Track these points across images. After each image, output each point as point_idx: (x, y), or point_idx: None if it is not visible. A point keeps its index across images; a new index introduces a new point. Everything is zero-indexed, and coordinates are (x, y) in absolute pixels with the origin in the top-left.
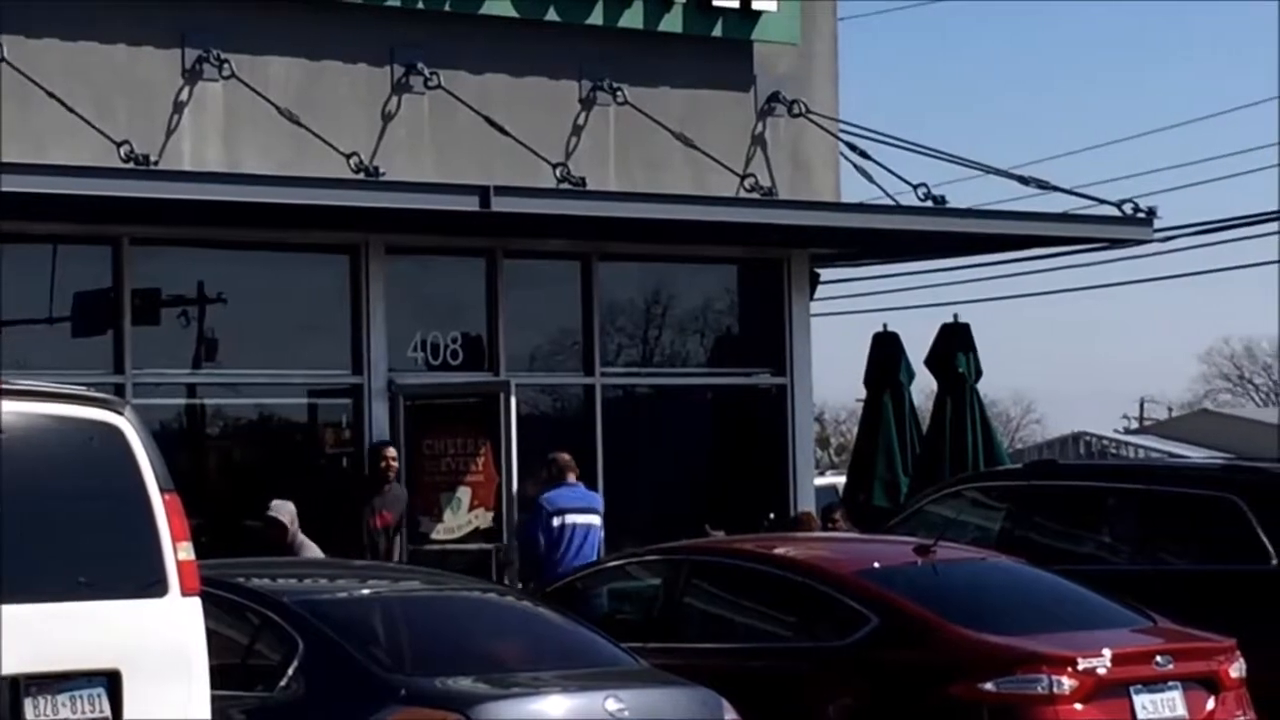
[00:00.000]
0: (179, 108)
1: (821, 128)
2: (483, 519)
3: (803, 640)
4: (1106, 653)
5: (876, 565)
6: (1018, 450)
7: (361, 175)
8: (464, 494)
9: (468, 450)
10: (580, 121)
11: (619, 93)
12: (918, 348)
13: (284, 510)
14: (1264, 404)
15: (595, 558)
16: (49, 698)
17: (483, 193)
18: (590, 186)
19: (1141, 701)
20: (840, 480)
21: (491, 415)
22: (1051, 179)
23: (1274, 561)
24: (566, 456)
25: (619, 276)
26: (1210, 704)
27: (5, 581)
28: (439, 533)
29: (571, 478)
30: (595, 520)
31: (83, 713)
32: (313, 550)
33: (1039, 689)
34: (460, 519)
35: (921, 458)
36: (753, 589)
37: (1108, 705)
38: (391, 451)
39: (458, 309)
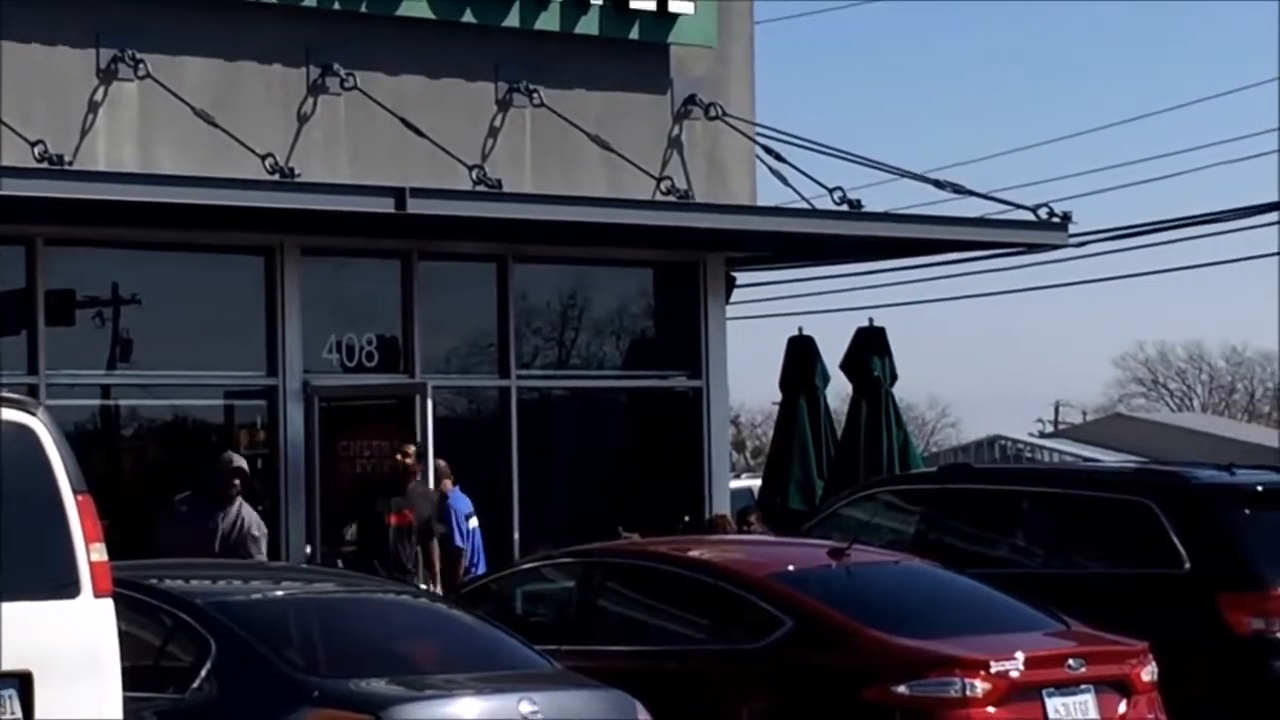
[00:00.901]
0: (94, 107)
1: (738, 130)
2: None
3: (717, 643)
4: (1019, 656)
5: (791, 568)
6: (933, 454)
7: (277, 176)
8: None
9: (384, 452)
10: (496, 123)
11: (535, 95)
12: (833, 351)
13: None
14: (1178, 408)
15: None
16: None
17: (398, 194)
18: (506, 189)
19: (1054, 704)
20: (756, 483)
21: (408, 417)
22: (967, 183)
23: (1186, 565)
24: (443, 463)
25: (535, 279)
26: (1122, 707)
27: None
28: (352, 534)
29: (449, 483)
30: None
31: None
32: (253, 517)
33: (952, 692)
34: None
35: (837, 461)
36: (667, 591)
37: (1020, 708)
38: (411, 449)
39: (373, 311)
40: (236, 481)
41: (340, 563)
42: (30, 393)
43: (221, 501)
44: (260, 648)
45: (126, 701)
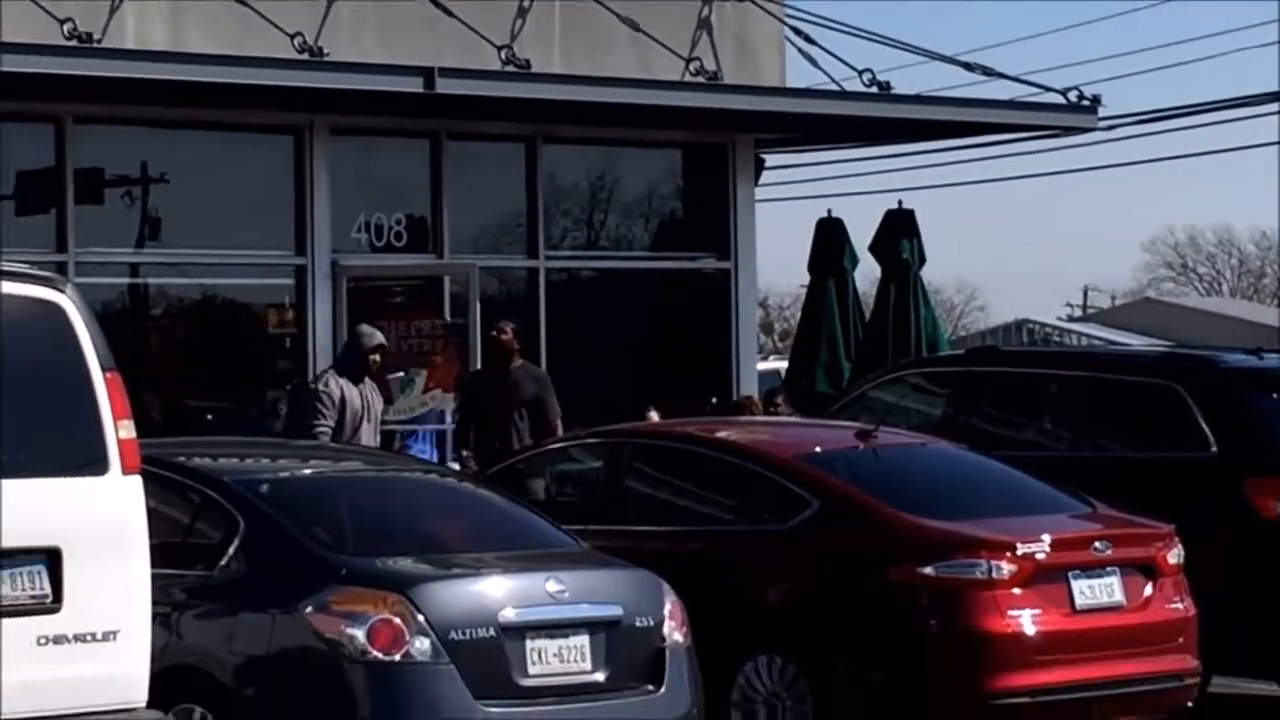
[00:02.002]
0: None
1: (767, 11)
2: (440, 400)
3: (744, 524)
4: (1046, 538)
5: (818, 449)
6: (961, 337)
7: (306, 56)
8: (418, 376)
9: (422, 333)
10: (525, 4)
11: None
12: (862, 234)
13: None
14: (1206, 293)
15: None
16: None
17: (427, 74)
18: (535, 69)
19: (1080, 586)
20: (783, 365)
21: (436, 297)
22: (997, 66)
23: (1213, 449)
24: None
25: (564, 160)
26: (1148, 589)
27: None
28: (390, 413)
29: None
30: None
31: (23, 589)
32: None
33: (978, 573)
34: (412, 400)
35: (864, 344)
36: (694, 472)
37: (1046, 590)
38: (508, 326)
39: (402, 191)
40: (375, 358)
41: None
42: (59, 271)
43: (358, 379)
44: (288, 526)
45: (154, 578)
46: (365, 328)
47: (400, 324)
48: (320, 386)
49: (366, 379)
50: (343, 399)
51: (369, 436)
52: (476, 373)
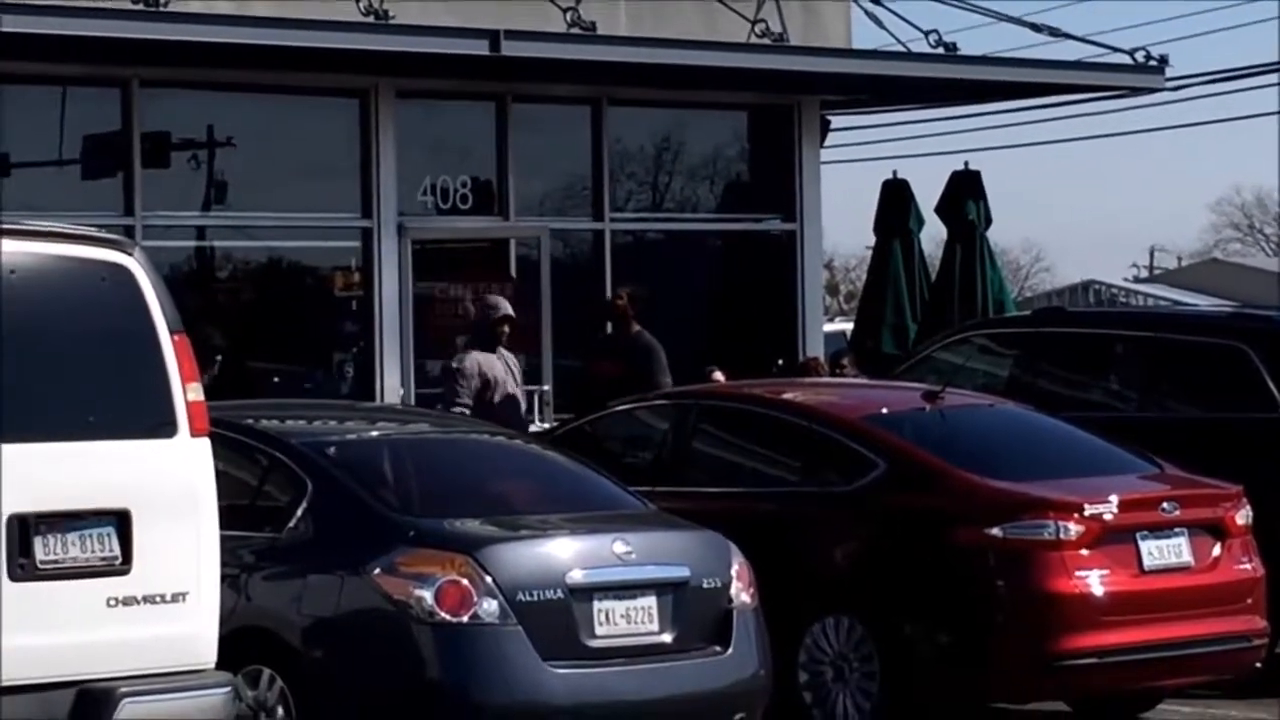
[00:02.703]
0: None
1: None
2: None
3: (810, 485)
4: (1113, 499)
5: (885, 411)
6: (1027, 298)
7: (372, 19)
8: None
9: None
10: None
11: None
12: (928, 195)
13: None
14: (1273, 254)
15: None
16: (58, 536)
17: (493, 37)
18: (601, 31)
19: (1148, 547)
20: (848, 327)
21: (503, 260)
22: (1064, 27)
23: None
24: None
25: (629, 122)
26: (1216, 550)
27: (14, 421)
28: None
29: None
30: None
31: (92, 551)
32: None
33: (1045, 534)
34: None
35: (930, 305)
36: (760, 434)
37: (1114, 551)
38: (625, 292)
39: (467, 153)
40: (505, 329)
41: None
42: (127, 234)
43: (492, 349)
44: (356, 488)
45: (223, 540)
46: (490, 298)
47: (463, 286)
48: (455, 364)
49: (500, 348)
50: (480, 372)
51: (519, 400)
52: (594, 339)
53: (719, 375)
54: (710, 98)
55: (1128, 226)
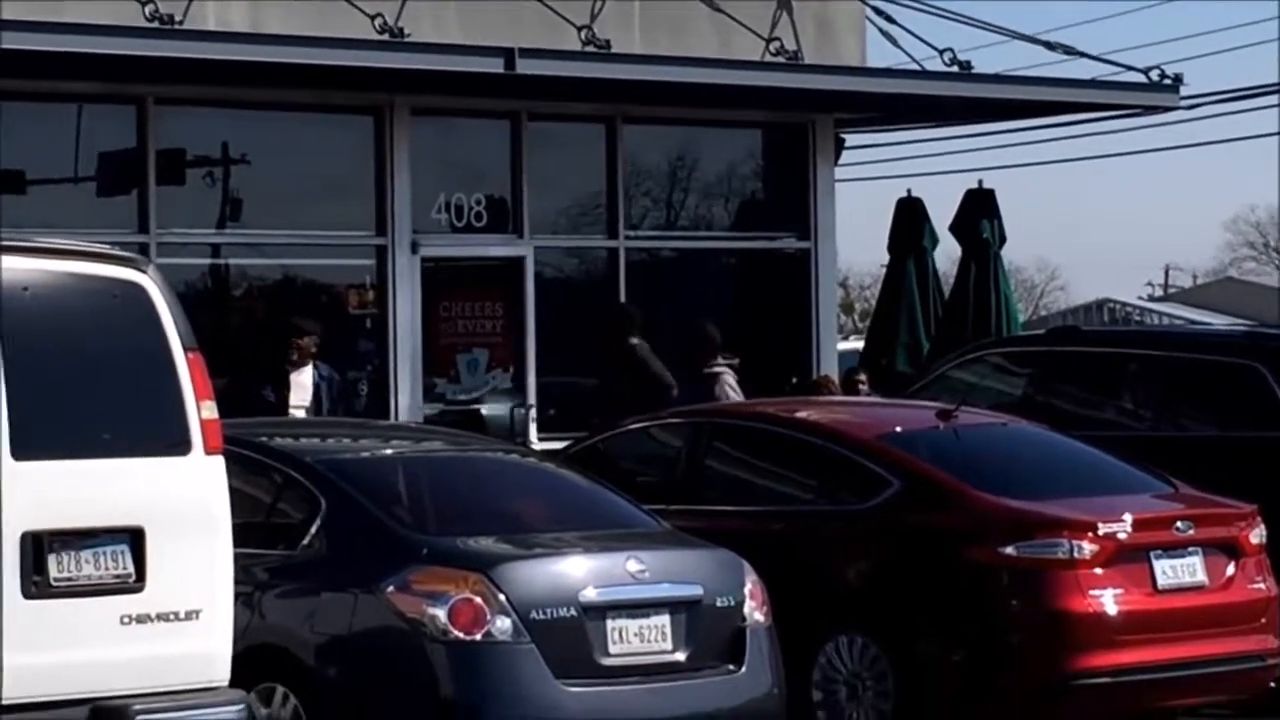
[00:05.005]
0: None
1: None
2: (500, 380)
3: (824, 503)
4: (1127, 518)
5: (899, 429)
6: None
7: (386, 36)
8: (482, 355)
9: (485, 313)
10: None
11: None
12: (942, 213)
13: None
14: None
15: None
16: (72, 554)
17: (508, 55)
18: (615, 49)
19: (1162, 567)
20: (862, 345)
21: (516, 278)
22: (1078, 45)
23: None
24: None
25: (644, 140)
26: (1230, 569)
27: (28, 438)
28: (458, 393)
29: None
30: None
31: (106, 569)
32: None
33: (1059, 553)
34: (478, 380)
35: (944, 323)
36: (774, 452)
37: (1128, 570)
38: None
39: (482, 171)
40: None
41: None
42: (141, 251)
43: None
44: (369, 505)
45: (237, 557)
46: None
47: (469, 305)
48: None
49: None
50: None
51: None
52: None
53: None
54: (725, 116)
55: (1142, 245)
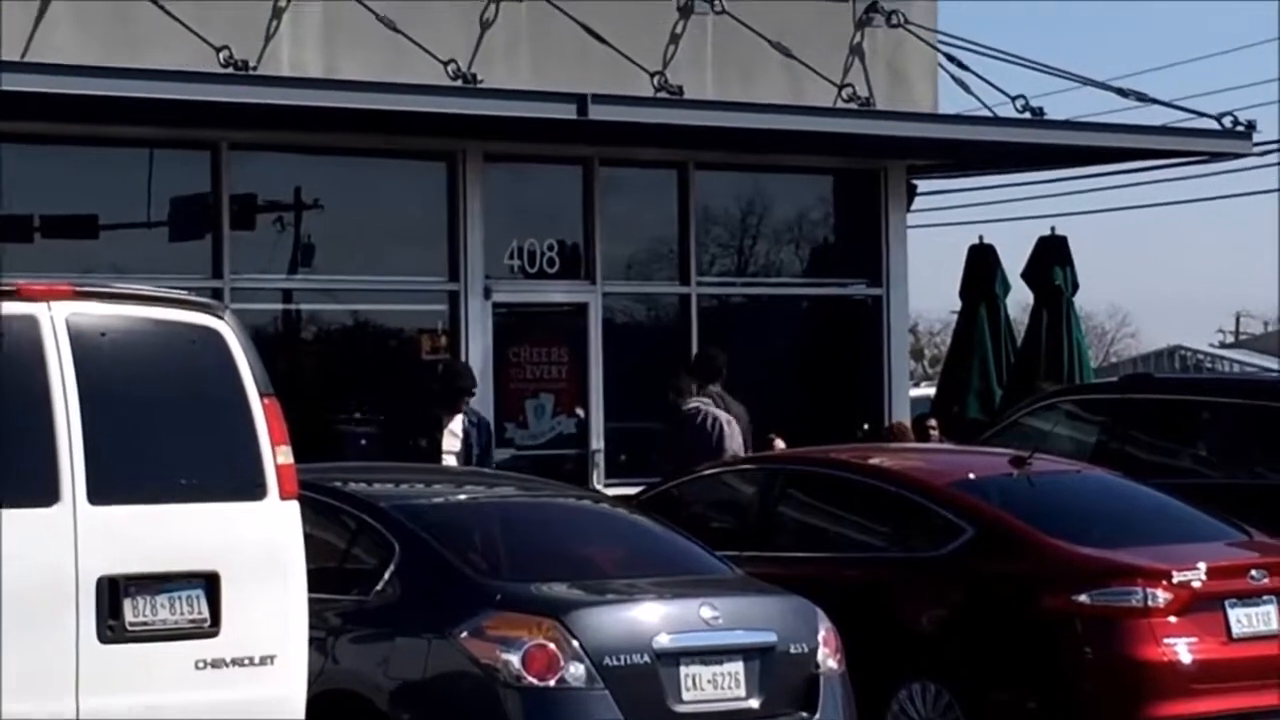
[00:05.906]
0: (278, 13)
1: (920, 38)
2: (565, 425)
3: (897, 550)
4: (1201, 566)
5: (972, 476)
6: (1113, 364)
7: (459, 82)
8: (548, 400)
9: (552, 358)
10: (678, 30)
11: (716, 1)
12: (1014, 260)
13: None
14: None
15: None
16: (148, 598)
17: (580, 101)
18: (687, 95)
19: (1236, 615)
20: (933, 392)
21: (583, 323)
22: (1150, 91)
23: None
24: None
25: (715, 185)
26: None
27: (105, 483)
28: (525, 439)
29: None
30: None
31: (181, 613)
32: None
33: (1133, 601)
34: (544, 425)
35: (1016, 370)
36: (848, 499)
37: (1202, 619)
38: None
39: (554, 216)
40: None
41: None
42: (215, 296)
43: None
44: (443, 551)
45: (311, 603)
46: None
47: (538, 350)
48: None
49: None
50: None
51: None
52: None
53: (779, 443)
54: (796, 161)
55: (1213, 291)
